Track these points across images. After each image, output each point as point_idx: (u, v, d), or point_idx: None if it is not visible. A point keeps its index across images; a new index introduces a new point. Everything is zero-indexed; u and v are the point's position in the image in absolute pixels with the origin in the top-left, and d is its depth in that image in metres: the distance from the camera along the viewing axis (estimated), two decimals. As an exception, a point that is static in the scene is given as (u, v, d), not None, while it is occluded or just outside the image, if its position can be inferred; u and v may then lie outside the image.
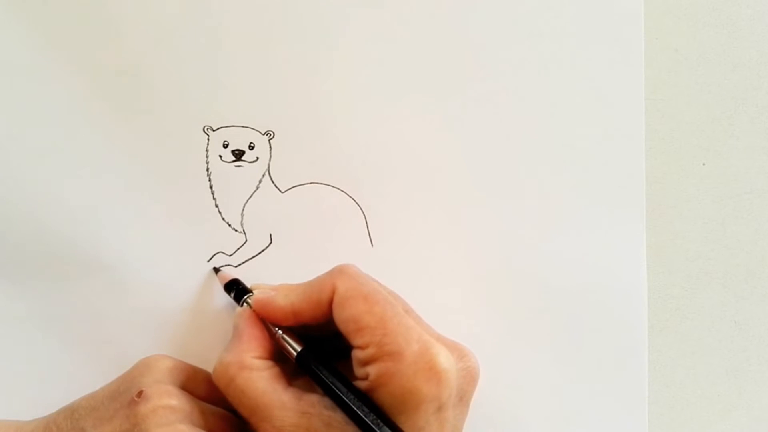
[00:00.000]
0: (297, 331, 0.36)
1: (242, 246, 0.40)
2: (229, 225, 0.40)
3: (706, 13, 0.43)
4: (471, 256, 0.41)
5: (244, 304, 0.38)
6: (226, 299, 0.40)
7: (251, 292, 0.38)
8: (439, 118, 0.41)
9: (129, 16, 0.40)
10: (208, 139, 0.40)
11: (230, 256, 0.40)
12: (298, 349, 0.35)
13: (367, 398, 0.33)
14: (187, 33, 0.40)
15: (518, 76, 0.42)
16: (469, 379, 0.35)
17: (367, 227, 0.41)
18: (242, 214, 0.40)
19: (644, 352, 0.41)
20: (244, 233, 0.40)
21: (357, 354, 0.33)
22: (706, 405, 0.43)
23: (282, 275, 0.39)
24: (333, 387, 0.33)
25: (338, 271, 0.35)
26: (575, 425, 0.41)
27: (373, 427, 0.32)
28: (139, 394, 0.34)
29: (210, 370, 0.39)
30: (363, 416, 0.32)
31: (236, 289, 0.38)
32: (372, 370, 0.33)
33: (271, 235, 0.41)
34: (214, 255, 0.40)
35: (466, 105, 0.41)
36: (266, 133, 0.41)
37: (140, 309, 0.40)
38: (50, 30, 0.40)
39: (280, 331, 0.36)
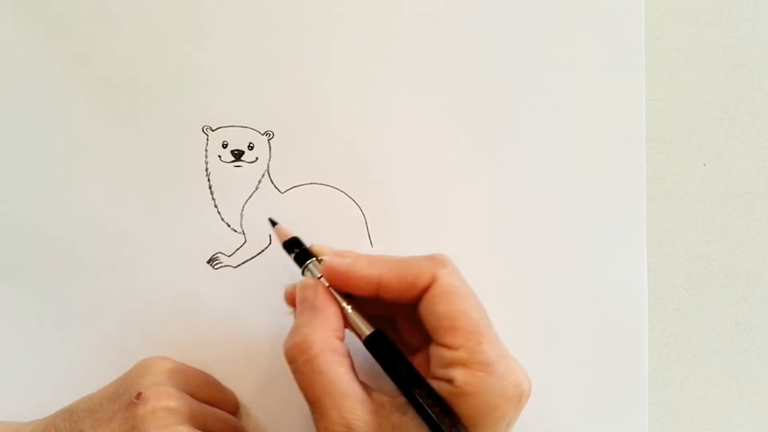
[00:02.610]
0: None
1: (242, 246, 0.40)
2: (229, 225, 0.40)
3: (706, 13, 0.43)
4: (470, 256, 0.41)
5: (307, 272, 0.35)
6: (226, 300, 0.40)
7: (314, 257, 0.36)
8: (439, 118, 0.41)
9: (129, 16, 0.40)
10: (207, 139, 0.40)
11: (229, 256, 0.40)
12: (367, 332, 0.34)
13: (438, 396, 0.32)
14: (187, 33, 0.40)
15: (519, 76, 0.42)
16: (525, 399, 0.33)
17: (367, 228, 0.41)
18: (242, 215, 0.40)
19: (644, 352, 0.41)
20: (244, 234, 0.40)
21: (442, 352, 0.32)
22: (706, 406, 0.43)
23: (281, 276, 0.39)
24: (405, 378, 0.32)
25: (440, 262, 0.33)
26: (575, 426, 0.41)
27: (444, 429, 0.31)
28: (138, 395, 0.34)
29: (209, 371, 0.39)
30: (432, 415, 0.31)
31: (299, 251, 0.36)
32: (459, 375, 0.31)
33: (270, 236, 0.40)
34: (213, 255, 0.40)
35: (466, 105, 0.41)
36: (266, 133, 0.40)
37: (139, 309, 0.40)
38: (51, 31, 0.40)
39: (349, 308, 0.34)
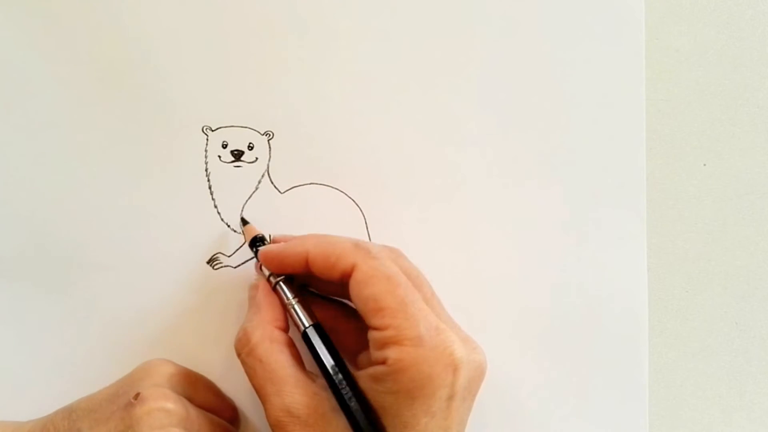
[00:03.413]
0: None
1: (241, 246, 0.40)
2: (228, 226, 0.40)
3: (706, 13, 0.43)
4: (470, 256, 0.41)
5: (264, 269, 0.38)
6: (226, 300, 0.40)
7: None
8: (438, 118, 0.41)
9: (129, 16, 0.40)
10: (207, 140, 0.40)
11: (229, 256, 0.40)
12: (307, 323, 0.35)
13: (357, 387, 0.33)
14: (187, 33, 0.40)
15: (518, 76, 0.42)
16: (479, 372, 0.35)
17: (367, 228, 0.41)
18: (241, 215, 0.40)
19: (645, 353, 0.41)
20: (243, 234, 0.40)
21: (375, 335, 0.33)
22: (706, 406, 0.43)
23: (281, 276, 0.39)
24: (327, 367, 0.34)
25: (364, 249, 0.34)
26: (575, 426, 0.41)
27: (356, 417, 0.32)
28: (136, 396, 0.34)
29: (208, 371, 0.40)
30: (350, 406, 0.33)
31: (259, 245, 0.38)
32: (391, 353, 0.32)
33: (270, 236, 0.40)
34: (213, 255, 0.40)
35: (466, 105, 0.41)
36: (265, 134, 0.40)
37: (139, 310, 0.40)
38: (50, 31, 0.40)
39: (294, 301, 0.36)
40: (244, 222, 0.40)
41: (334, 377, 0.33)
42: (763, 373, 0.43)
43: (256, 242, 0.38)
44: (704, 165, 0.43)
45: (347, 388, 0.33)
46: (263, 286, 0.37)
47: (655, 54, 0.43)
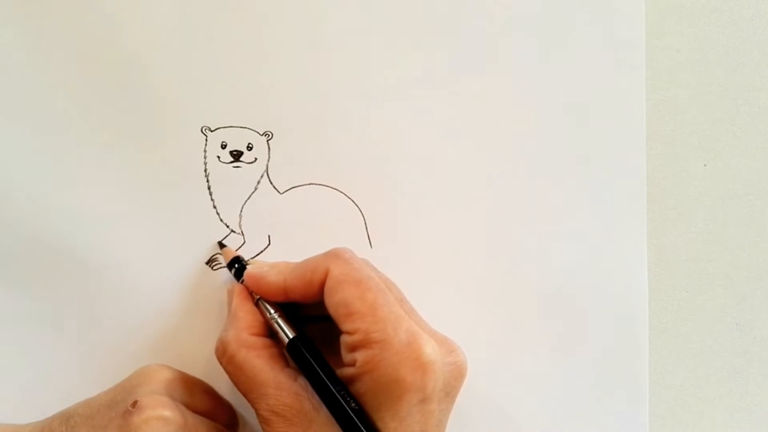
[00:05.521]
0: (290, 308, 0.37)
1: (240, 247, 0.40)
2: (227, 226, 0.40)
3: (707, 13, 0.43)
4: (470, 257, 0.41)
5: (243, 281, 0.38)
6: (225, 301, 0.40)
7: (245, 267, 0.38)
8: (438, 118, 0.41)
9: (127, 16, 0.40)
10: (206, 140, 0.40)
11: (228, 257, 0.40)
12: (290, 335, 0.36)
13: (350, 395, 0.33)
14: (186, 33, 0.40)
15: (519, 76, 0.41)
16: (456, 374, 0.35)
17: (366, 229, 0.41)
18: (240, 216, 0.40)
19: (645, 354, 0.41)
20: (243, 234, 0.40)
21: (345, 339, 0.34)
22: (707, 407, 0.43)
23: (281, 277, 0.39)
24: (320, 380, 0.34)
25: (333, 255, 0.35)
26: (576, 426, 0.41)
27: (354, 417, 0.33)
28: (134, 404, 0.34)
29: (208, 372, 0.39)
30: (348, 411, 0.33)
31: (237, 266, 0.39)
32: (359, 356, 0.33)
33: (269, 237, 0.40)
34: (212, 256, 0.40)
35: (465, 106, 0.41)
36: (264, 134, 0.40)
37: (138, 311, 0.40)
38: (49, 31, 0.39)
39: (276, 315, 0.36)
40: (221, 246, 0.40)
41: (333, 388, 0.34)
42: (764, 374, 0.43)
43: (235, 263, 0.39)
44: (704, 165, 0.43)
45: (345, 399, 0.33)
46: (237, 292, 0.37)
47: (655, 54, 0.43)
